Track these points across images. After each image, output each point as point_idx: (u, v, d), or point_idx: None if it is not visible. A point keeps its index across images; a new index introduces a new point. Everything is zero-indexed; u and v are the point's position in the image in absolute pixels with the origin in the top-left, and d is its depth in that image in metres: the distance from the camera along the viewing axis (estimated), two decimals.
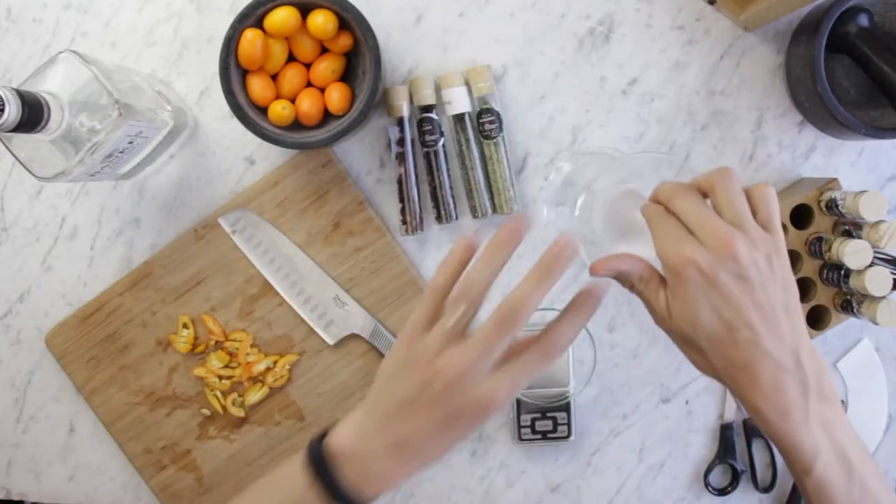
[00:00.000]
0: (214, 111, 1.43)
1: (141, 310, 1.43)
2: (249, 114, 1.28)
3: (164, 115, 1.28)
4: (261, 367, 1.42)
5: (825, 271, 1.34)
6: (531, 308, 0.94)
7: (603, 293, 0.99)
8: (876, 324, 1.28)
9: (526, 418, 1.43)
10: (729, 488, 1.46)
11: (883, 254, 1.29)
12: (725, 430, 1.44)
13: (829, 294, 1.35)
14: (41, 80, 1.14)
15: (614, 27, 1.40)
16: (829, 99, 1.26)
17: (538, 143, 1.41)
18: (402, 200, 1.40)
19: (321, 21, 1.27)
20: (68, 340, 1.43)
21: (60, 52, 1.14)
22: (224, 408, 1.44)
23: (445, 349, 0.95)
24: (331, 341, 1.42)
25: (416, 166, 1.40)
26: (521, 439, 1.44)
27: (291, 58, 1.33)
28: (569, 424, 1.43)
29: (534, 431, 1.43)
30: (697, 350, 0.99)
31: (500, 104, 1.40)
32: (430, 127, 1.38)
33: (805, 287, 1.36)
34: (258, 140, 1.34)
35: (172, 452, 1.46)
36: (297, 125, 1.33)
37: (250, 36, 1.26)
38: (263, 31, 1.28)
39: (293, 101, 1.32)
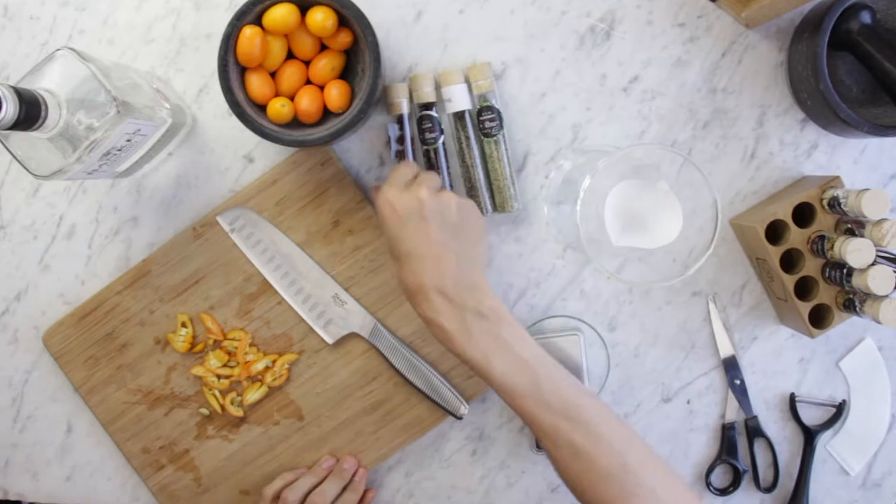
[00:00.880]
0: (213, 109, 1.43)
1: (139, 308, 1.43)
2: (248, 111, 1.29)
3: (163, 112, 1.28)
4: (259, 366, 1.43)
5: (827, 270, 1.34)
6: None
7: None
8: (878, 323, 1.29)
9: None
10: (731, 488, 1.46)
11: (886, 252, 1.29)
12: (727, 430, 1.45)
13: (831, 293, 1.35)
14: (38, 78, 1.14)
15: (615, 24, 1.40)
16: (832, 96, 1.26)
17: (539, 141, 1.42)
18: None
19: (320, 18, 1.27)
20: (66, 339, 1.44)
21: (58, 50, 1.14)
22: (222, 407, 1.44)
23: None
24: (330, 340, 1.42)
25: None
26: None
27: (290, 55, 1.33)
28: None
29: None
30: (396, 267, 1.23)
31: (501, 102, 1.40)
32: (429, 124, 1.38)
33: (807, 286, 1.36)
34: (257, 138, 1.35)
35: (170, 452, 1.46)
36: (296, 123, 1.33)
37: (249, 33, 1.26)
38: (262, 28, 1.28)
39: (292, 98, 1.32)
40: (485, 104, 1.37)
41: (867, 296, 1.31)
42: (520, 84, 1.41)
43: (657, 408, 1.46)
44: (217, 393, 1.44)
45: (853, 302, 1.33)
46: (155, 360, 1.44)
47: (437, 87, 1.39)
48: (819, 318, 1.37)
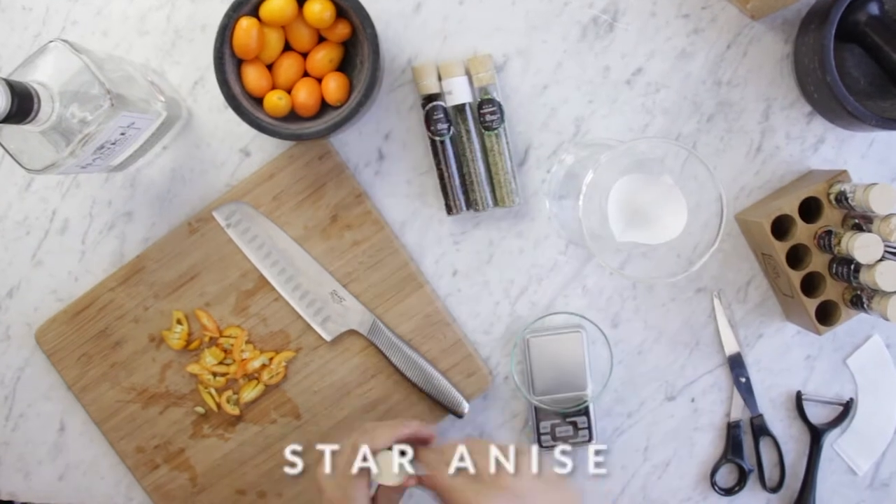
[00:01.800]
0: (209, 102, 1.43)
1: (133, 305, 1.43)
2: (245, 104, 1.29)
3: (157, 105, 1.29)
4: (256, 363, 1.43)
5: (834, 266, 1.34)
6: None
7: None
8: (886, 319, 1.29)
9: (545, 425, 1.43)
10: (736, 488, 1.46)
11: (894, 248, 1.29)
12: (732, 429, 1.45)
13: (838, 289, 1.36)
14: (31, 70, 1.14)
15: (618, 16, 1.40)
16: (839, 89, 1.26)
17: (540, 135, 1.42)
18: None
19: (318, 9, 1.27)
20: (59, 336, 1.44)
21: (51, 42, 1.14)
22: (218, 406, 1.44)
23: None
24: (328, 337, 1.42)
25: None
26: (541, 446, 1.44)
27: (288, 47, 1.33)
28: (589, 428, 1.43)
29: (554, 438, 1.43)
30: None
31: (502, 94, 1.40)
32: (439, 115, 1.38)
33: (814, 282, 1.36)
34: (253, 131, 1.34)
35: (165, 451, 1.46)
36: (293, 116, 1.33)
37: (245, 24, 1.26)
38: (259, 19, 1.28)
39: (289, 91, 1.32)
40: (485, 97, 1.37)
41: (875, 292, 1.31)
42: (521, 76, 1.41)
43: (661, 406, 1.46)
44: (213, 391, 1.44)
45: (861, 298, 1.33)
46: (149, 357, 1.44)
47: (438, 80, 1.39)
48: (826, 315, 1.37)
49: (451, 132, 1.39)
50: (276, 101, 1.30)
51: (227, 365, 1.43)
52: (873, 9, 1.29)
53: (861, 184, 1.28)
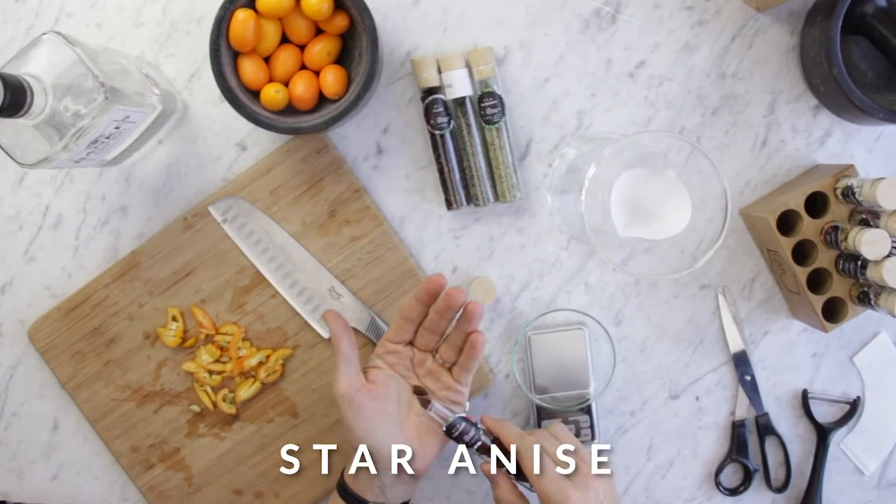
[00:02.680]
0: (205, 95, 1.43)
1: (128, 302, 1.44)
2: (241, 98, 1.29)
3: (152, 99, 1.29)
4: (253, 361, 1.43)
5: (841, 262, 1.34)
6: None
7: None
8: (894, 317, 1.29)
9: (546, 423, 1.43)
10: (741, 488, 1.47)
11: None
12: (737, 428, 1.45)
13: (845, 286, 1.36)
14: (24, 63, 1.14)
15: (621, 7, 1.40)
16: (846, 82, 1.27)
17: (542, 129, 1.42)
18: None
19: (316, 1, 1.27)
20: (52, 334, 1.44)
21: (44, 34, 1.14)
22: (214, 404, 1.44)
23: None
24: (326, 335, 1.42)
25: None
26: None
27: (285, 39, 1.33)
28: (592, 427, 1.44)
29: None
30: None
31: (502, 88, 1.40)
32: (439, 109, 1.38)
33: (820, 278, 1.37)
34: (250, 125, 1.35)
35: (160, 451, 1.46)
36: (290, 109, 1.33)
37: (242, 16, 1.26)
38: (256, 11, 1.28)
39: (287, 84, 1.32)
40: (486, 90, 1.37)
41: (882, 288, 1.31)
42: (522, 69, 1.41)
43: (664, 405, 1.46)
44: (209, 389, 1.44)
45: (868, 295, 1.33)
46: (144, 355, 1.45)
47: (438, 73, 1.39)
48: (832, 312, 1.37)
49: (451, 126, 1.39)
50: (273, 94, 1.30)
51: (224, 363, 1.43)
52: (881, 0, 1.29)
53: (868, 178, 1.28)
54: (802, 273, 1.34)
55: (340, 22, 1.31)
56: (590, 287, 1.44)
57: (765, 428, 1.45)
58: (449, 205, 1.41)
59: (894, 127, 1.41)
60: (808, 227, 1.34)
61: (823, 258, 1.35)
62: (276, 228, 1.41)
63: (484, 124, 1.38)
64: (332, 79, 1.31)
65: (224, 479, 1.46)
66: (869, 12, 1.29)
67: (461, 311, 1.31)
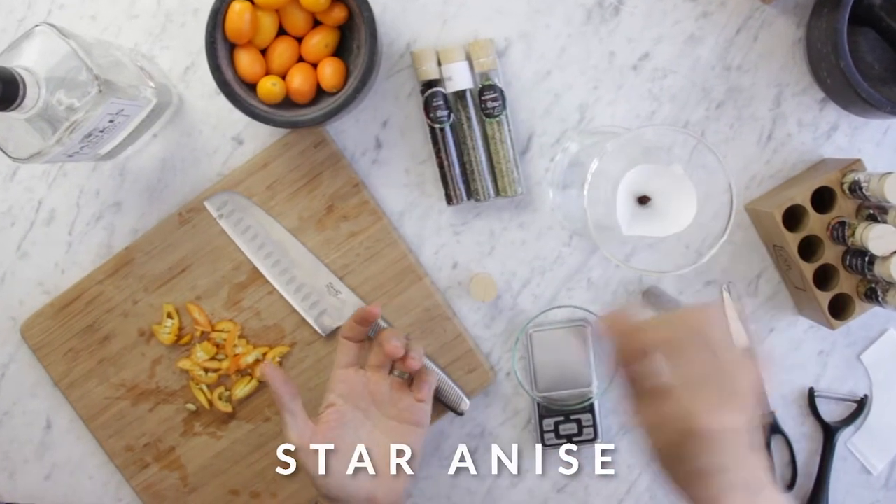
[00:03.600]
0: (200, 88, 1.43)
1: (122, 299, 1.44)
2: (237, 91, 1.29)
3: (147, 92, 1.29)
4: (249, 359, 1.43)
5: (848, 258, 1.34)
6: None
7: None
8: None
9: (549, 422, 1.44)
10: None
11: None
12: None
13: (852, 282, 1.36)
14: (16, 55, 1.14)
15: None
16: (853, 75, 1.27)
17: (543, 122, 1.42)
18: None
19: None
20: (45, 331, 1.44)
21: (37, 26, 1.14)
22: (210, 402, 1.45)
23: None
24: (323, 332, 1.43)
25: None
26: (544, 445, 1.44)
27: (282, 31, 1.33)
28: (594, 426, 1.44)
29: (558, 436, 1.44)
30: None
31: (503, 80, 1.40)
32: (439, 102, 1.38)
33: (827, 275, 1.37)
34: (247, 119, 1.35)
35: (155, 450, 1.46)
36: (287, 103, 1.34)
37: (238, 8, 1.27)
38: (252, 2, 1.28)
39: (284, 77, 1.33)
40: (486, 83, 1.38)
41: (890, 285, 1.31)
42: (523, 62, 1.41)
43: None
44: (204, 387, 1.44)
45: (875, 291, 1.33)
46: (139, 352, 1.45)
47: (438, 65, 1.40)
48: (839, 309, 1.37)
49: (451, 119, 1.39)
50: (270, 87, 1.30)
51: (220, 360, 1.44)
52: None
53: (876, 173, 1.29)
54: (809, 269, 1.34)
55: (338, 13, 1.31)
56: (592, 283, 1.45)
57: (770, 427, 1.45)
58: (449, 199, 1.41)
59: None
60: (815, 223, 1.34)
61: (830, 254, 1.35)
62: (272, 224, 1.41)
63: (484, 118, 1.38)
64: (330, 71, 1.32)
65: (220, 479, 1.47)
66: (876, 3, 1.30)
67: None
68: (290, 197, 1.41)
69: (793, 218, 1.35)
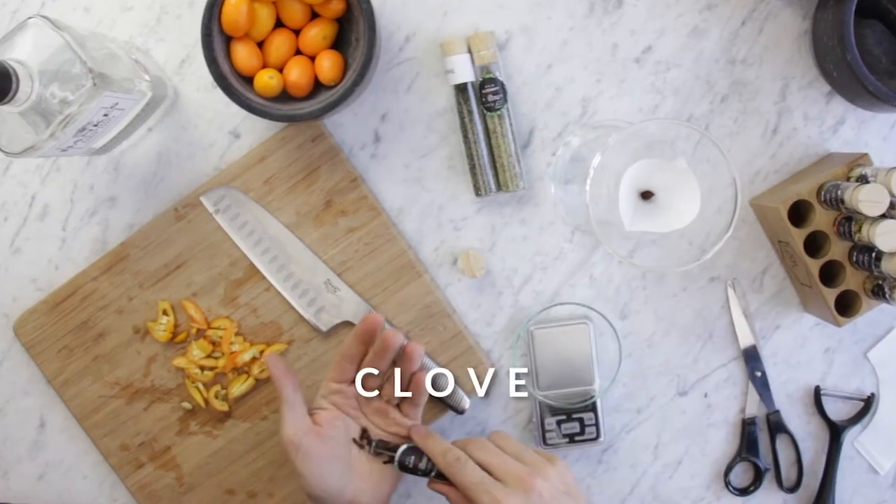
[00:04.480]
0: (196, 81, 1.44)
1: (117, 295, 1.44)
2: (234, 84, 1.29)
3: (142, 85, 1.29)
4: (246, 357, 1.43)
5: (855, 254, 1.34)
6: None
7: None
8: None
9: (550, 422, 1.44)
10: (751, 488, 1.47)
11: None
12: (747, 425, 1.46)
13: (859, 278, 1.36)
14: (9, 48, 1.14)
15: None
16: (860, 68, 1.27)
17: (545, 116, 1.42)
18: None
19: None
20: (38, 328, 1.44)
21: (30, 18, 1.14)
22: (206, 401, 1.45)
23: None
24: (322, 329, 1.43)
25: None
26: (546, 444, 1.44)
27: (279, 23, 1.33)
28: (597, 425, 1.44)
29: (560, 435, 1.44)
30: None
31: (504, 73, 1.41)
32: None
33: (833, 271, 1.37)
34: (243, 112, 1.35)
35: (151, 449, 1.47)
36: (285, 96, 1.34)
37: (235, 0, 1.27)
38: None
39: (281, 69, 1.33)
40: (487, 76, 1.38)
41: None
42: (525, 54, 1.42)
43: (672, 401, 1.46)
44: (200, 386, 1.44)
45: (882, 288, 1.33)
46: (134, 350, 1.45)
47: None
48: (846, 306, 1.37)
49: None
50: (266, 80, 1.30)
51: (216, 358, 1.44)
52: None
53: (883, 167, 1.29)
54: (815, 265, 1.34)
55: (337, 5, 1.31)
56: (595, 280, 1.45)
57: (776, 426, 1.45)
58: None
59: None
60: (821, 218, 1.34)
61: (836, 250, 1.35)
62: (269, 219, 1.42)
63: (485, 111, 1.39)
64: (328, 64, 1.32)
65: (216, 479, 1.47)
66: None
67: (401, 351, 1.34)
68: (288, 192, 1.42)
69: (798, 213, 1.35)
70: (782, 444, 1.47)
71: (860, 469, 1.47)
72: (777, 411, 1.45)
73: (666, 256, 1.33)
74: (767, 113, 1.42)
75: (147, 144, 1.44)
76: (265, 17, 1.30)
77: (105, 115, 1.22)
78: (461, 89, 1.39)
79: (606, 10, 1.41)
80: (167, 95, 1.40)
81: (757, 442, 1.46)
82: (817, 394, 1.45)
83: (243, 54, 1.30)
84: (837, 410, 1.46)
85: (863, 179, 1.30)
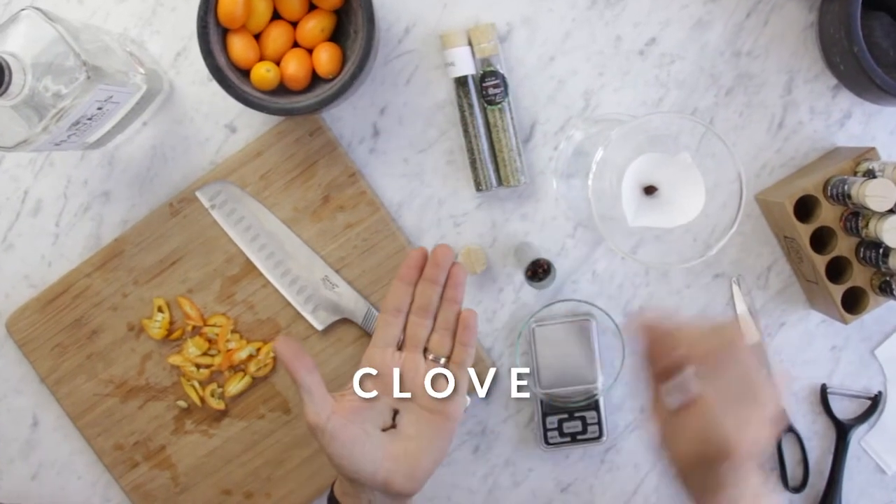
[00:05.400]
0: (192, 74, 1.44)
1: (111, 292, 1.44)
2: (230, 77, 1.29)
3: (137, 78, 1.29)
4: (242, 354, 1.43)
5: (862, 250, 1.35)
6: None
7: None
8: None
9: (552, 420, 1.44)
10: None
11: None
12: None
13: (866, 275, 1.36)
14: (1, 41, 1.14)
15: None
16: (867, 61, 1.27)
17: (547, 110, 1.43)
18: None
19: None
20: (31, 326, 1.44)
21: (22, 10, 1.14)
22: (202, 399, 1.45)
23: None
24: (319, 326, 1.43)
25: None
26: (547, 443, 1.45)
27: (276, 15, 1.33)
28: (599, 424, 1.44)
29: (561, 434, 1.44)
30: None
31: (506, 66, 1.41)
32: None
33: (840, 267, 1.37)
34: (240, 106, 1.35)
35: (145, 448, 1.47)
36: (282, 89, 1.34)
37: None
38: None
39: (278, 62, 1.33)
40: (488, 69, 1.38)
41: None
42: (526, 47, 1.42)
43: None
44: (196, 384, 1.45)
45: (890, 284, 1.33)
46: (128, 348, 1.45)
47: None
48: (853, 303, 1.38)
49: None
50: (263, 73, 1.30)
51: (212, 356, 1.44)
52: None
53: (890, 161, 1.29)
54: (821, 261, 1.34)
55: None
56: (597, 276, 1.45)
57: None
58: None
59: None
60: (827, 213, 1.34)
61: (843, 246, 1.35)
62: (266, 214, 1.42)
63: (486, 105, 1.39)
64: (325, 57, 1.32)
65: (212, 479, 1.47)
66: None
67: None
68: (285, 187, 1.42)
69: (804, 208, 1.35)
70: (788, 443, 1.47)
71: (867, 469, 1.47)
72: (783, 410, 1.45)
73: (669, 252, 1.33)
74: (773, 106, 1.42)
75: (142, 138, 1.44)
76: (262, 8, 1.30)
77: (99, 108, 1.22)
78: (461, 82, 1.39)
79: (609, 1, 1.41)
80: (162, 89, 1.40)
81: None
82: (823, 392, 1.45)
83: (240, 47, 1.30)
84: (844, 409, 1.46)
85: (870, 174, 1.30)
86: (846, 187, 1.29)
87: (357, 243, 1.42)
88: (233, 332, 1.44)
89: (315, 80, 1.34)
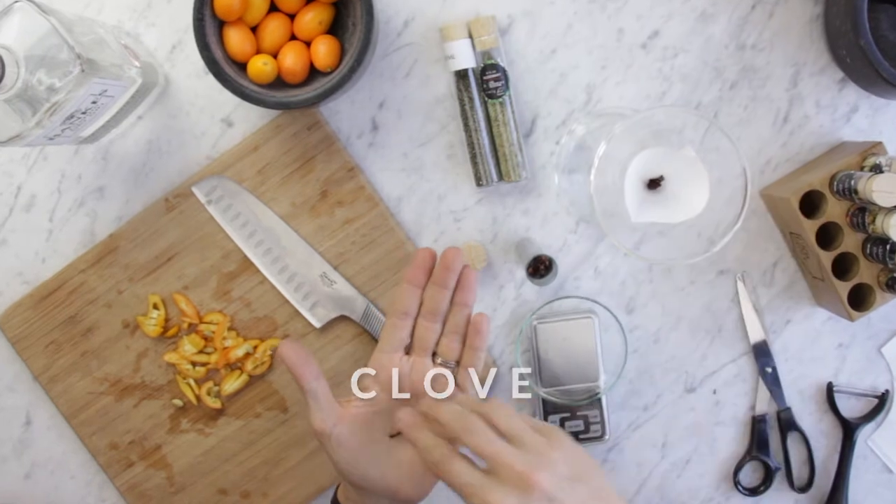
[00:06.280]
0: (188, 67, 1.44)
1: (106, 289, 1.44)
2: (227, 70, 1.30)
3: (132, 71, 1.29)
4: (239, 352, 1.44)
5: (869, 246, 1.35)
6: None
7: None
8: None
9: (554, 419, 1.44)
10: (761, 487, 1.47)
11: None
12: (757, 423, 1.46)
13: (873, 271, 1.36)
14: None
15: None
16: (874, 53, 1.27)
17: (548, 103, 1.43)
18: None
19: None
20: (24, 323, 1.45)
21: (15, 2, 1.14)
22: (198, 398, 1.45)
23: None
24: (317, 324, 1.43)
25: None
26: None
27: (274, 8, 1.33)
28: (602, 423, 1.44)
29: None
30: None
31: (506, 59, 1.41)
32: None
33: (846, 263, 1.37)
34: (237, 99, 1.35)
35: (141, 448, 1.47)
36: (279, 83, 1.34)
37: None
38: None
39: (275, 55, 1.33)
40: (488, 62, 1.38)
41: None
42: (527, 40, 1.42)
43: (680, 398, 1.47)
44: (192, 382, 1.45)
45: None
46: (123, 345, 1.45)
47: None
48: (859, 299, 1.38)
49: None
50: (260, 66, 1.30)
51: (208, 354, 1.44)
52: None
53: None
54: (827, 258, 1.34)
55: None
56: (600, 273, 1.45)
57: (787, 423, 1.46)
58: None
59: None
60: (834, 209, 1.34)
61: (849, 242, 1.35)
62: (264, 210, 1.42)
63: (487, 98, 1.39)
64: (324, 50, 1.32)
65: (208, 478, 1.47)
66: None
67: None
68: (282, 182, 1.42)
69: (810, 204, 1.35)
70: (793, 442, 1.47)
71: (874, 468, 1.48)
72: (788, 408, 1.45)
73: (673, 248, 1.33)
74: (778, 100, 1.42)
75: (137, 133, 1.44)
76: (259, 1, 1.30)
77: (93, 102, 1.22)
78: (462, 76, 1.39)
79: None
80: (158, 82, 1.40)
81: (767, 440, 1.46)
82: (830, 390, 1.46)
83: (236, 39, 1.30)
84: (850, 408, 1.47)
85: (877, 169, 1.30)
86: (853, 182, 1.29)
87: (356, 239, 1.43)
88: (229, 329, 1.44)
89: (313, 73, 1.34)
